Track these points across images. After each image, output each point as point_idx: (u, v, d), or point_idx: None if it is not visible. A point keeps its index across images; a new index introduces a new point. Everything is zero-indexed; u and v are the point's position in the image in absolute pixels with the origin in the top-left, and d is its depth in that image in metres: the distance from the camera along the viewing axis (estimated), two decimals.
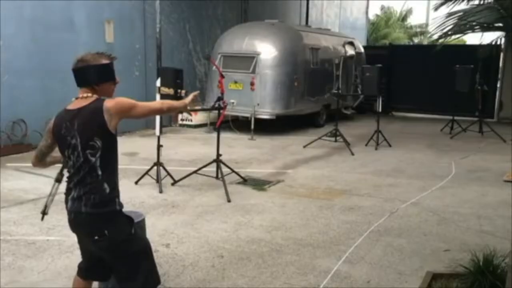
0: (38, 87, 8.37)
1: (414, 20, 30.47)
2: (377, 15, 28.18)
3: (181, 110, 2.82)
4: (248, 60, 10.44)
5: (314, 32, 12.47)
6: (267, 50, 10.50)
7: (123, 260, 2.51)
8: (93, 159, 2.37)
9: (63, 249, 4.12)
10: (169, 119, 11.10)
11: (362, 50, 14.01)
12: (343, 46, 12.59)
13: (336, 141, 9.11)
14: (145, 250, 2.60)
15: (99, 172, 2.39)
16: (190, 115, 10.61)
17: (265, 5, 14.87)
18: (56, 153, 2.60)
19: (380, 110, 9.57)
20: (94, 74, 2.42)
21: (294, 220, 5.04)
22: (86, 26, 9.27)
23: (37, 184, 6.05)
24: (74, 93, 2.52)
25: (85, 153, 2.37)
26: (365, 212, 5.33)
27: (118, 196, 2.49)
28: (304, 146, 9.05)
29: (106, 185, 2.40)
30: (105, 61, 2.47)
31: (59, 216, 3.95)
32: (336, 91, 10.12)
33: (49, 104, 8.04)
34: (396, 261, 4.03)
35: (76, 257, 2.49)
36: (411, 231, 4.76)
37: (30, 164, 2.79)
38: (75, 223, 2.49)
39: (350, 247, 4.30)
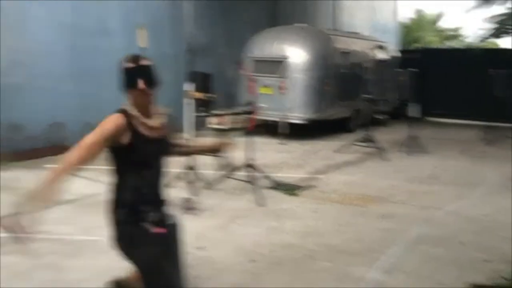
0: (75, 91, 8.56)
1: (446, 23, 29.95)
2: (409, 18, 27.78)
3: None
4: (278, 64, 10.44)
5: (344, 35, 12.37)
6: (297, 54, 10.47)
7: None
8: None
9: (103, 248, 4.17)
10: (201, 123, 11.15)
11: (394, 53, 13.81)
12: (374, 49, 12.44)
13: (368, 146, 8.98)
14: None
15: None
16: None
17: (294, 9, 14.84)
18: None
19: (413, 115, 9.39)
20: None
21: (326, 226, 4.99)
22: (120, 32, 9.45)
23: (73, 185, 6.15)
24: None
25: None
26: (399, 219, 5.22)
27: None
28: (336, 151, 8.96)
29: None
30: (126, 64, 2.30)
31: (97, 216, 4.01)
32: (367, 96, 10.00)
33: (85, 107, 8.25)
34: (434, 271, 3.93)
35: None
36: (448, 240, 4.63)
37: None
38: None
39: (385, 255, 4.22)
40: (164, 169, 2.45)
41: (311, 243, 4.49)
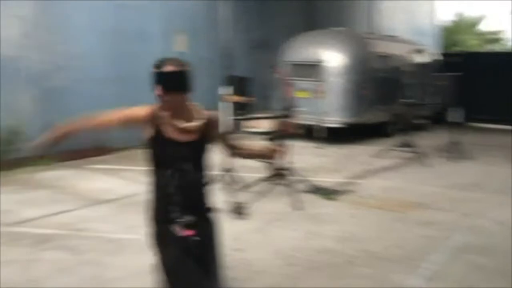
0: (115, 94, 8.77)
1: (487, 26, 29.08)
2: (449, 21, 27.14)
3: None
4: (315, 68, 10.39)
5: (382, 39, 12.20)
6: (334, 58, 10.39)
7: None
8: None
9: (142, 247, 4.24)
10: (238, 125, 11.23)
11: (435, 57, 13.51)
12: (413, 53, 12.19)
13: (407, 151, 8.81)
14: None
15: None
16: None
17: (330, 13, 14.75)
18: None
19: (455, 120, 9.15)
20: None
21: (365, 231, 4.92)
22: (158, 36, 9.62)
23: (114, 185, 6.35)
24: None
25: None
26: (441, 226, 5.09)
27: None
28: (374, 156, 8.83)
29: None
30: (153, 68, 2.30)
31: (137, 216, 4.09)
32: (406, 100, 9.81)
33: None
34: (479, 281, 3.81)
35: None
36: (493, 249, 4.48)
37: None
38: None
39: (427, 262, 4.12)
40: (200, 172, 2.38)
41: (349, 248, 4.44)
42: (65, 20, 8.00)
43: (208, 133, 2.35)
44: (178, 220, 2.31)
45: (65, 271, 3.80)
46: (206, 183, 2.42)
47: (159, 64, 2.28)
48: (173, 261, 2.32)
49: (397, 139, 9.44)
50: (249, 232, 4.80)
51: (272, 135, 2.63)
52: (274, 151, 2.64)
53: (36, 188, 6.15)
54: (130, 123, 2.38)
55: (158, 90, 2.26)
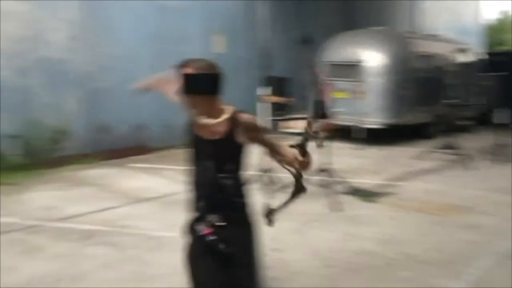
0: (156, 95, 8.96)
1: None
2: (495, 20, 26.22)
3: None
4: (354, 68, 10.28)
5: (424, 38, 11.93)
6: (374, 58, 10.25)
7: None
8: None
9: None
10: (274, 126, 11.26)
11: (479, 56, 13.09)
12: (456, 52, 11.85)
13: (450, 154, 8.57)
14: None
15: None
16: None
17: (370, 12, 14.55)
18: None
19: (500, 121, 8.84)
20: None
21: (405, 234, 4.83)
22: (198, 37, 9.77)
23: (155, 184, 6.50)
24: None
25: None
26: (485, 231, 4.94)
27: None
28: (415, 158, 8.65)
29: None
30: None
31: (178, 214, 4.18)
32: (449, 101, 9.56)
33: (165, 110, 8.61)
34: None
35: None
36: None
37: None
38: None
39: (470, 268, 4.01)
40: (224, 172, 2.32)
41: (389, 251, 4.37)
42: (110, 22, 8.25)
43: (234, 133, 2.28)
44: (201, 218, 2.32)
45: (108, 267, 3.92)
46: (233, 183, 2.34)
47: (179, 66, 2.30)
48: (190, 258, 2.37)
49: (439, 140, 9.21)
50: (287, 232, 4.80)
51: (303, 139, 2.34)
52: (298, 160, 2.41)
53: (80, 185, 6.37)
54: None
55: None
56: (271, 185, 6.14)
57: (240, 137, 2.29)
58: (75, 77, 7.84)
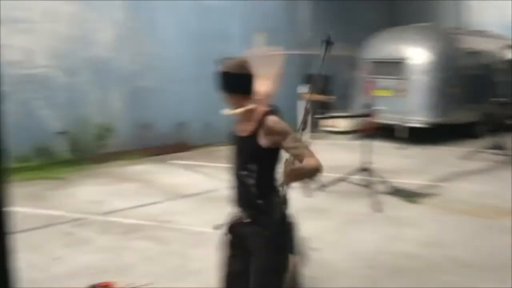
0: (197, 93, 9.09)
1: None
2: None
3: None
4: (398, 66, 10.04)
5: (471, 34, 11.49)
6: (419, 55, 9.97)
7: None
8: None
9: None
10: (315, 125, 11.17)
11: None
12: (505, 49, 11.36)
13: (499, 154, 8.23)
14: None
15: None
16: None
17: (414, 8, 14.16)
18: None
19: None
20: None
21: (451, 237, 4.67)
22: (239, 37, 9.79)
23: (196, 180, 6.59)
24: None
25: None
26: None
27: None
28: (462, 158, 8.36)
29: None
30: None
31: (219, 210, 4.21)
32: (497, 99, 9.18)
33: (206, 109, 8.71)
34: None
35: None
36: None
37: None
38: None
39: None
40: (249, 170, 2.30)
41: (435, 254, 4.24)
42: (153, 22, 8.41)
43: (259, 134, 2.26)
44: (232, 215, 2.41)
45: (151, 260, 4.00)
46: (254, 183, 2.30)
47: (218, 64, 2.37)
48: (222, 249, 2.50)
49: (487, 140, 8.88)
50: (327, 232, 4.76)
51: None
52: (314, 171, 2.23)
53: (124, 181, 6.53)
54: None
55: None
56: (311, 184, 6.09)
57: (263, 140, 2.25)
58: (120, 76, 8.04)
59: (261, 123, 2.26)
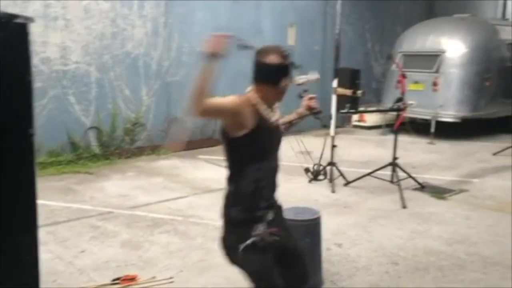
0: (226, 87, 9.10)
1: None
2: None
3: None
4: (431, 59, 9.79)
5: (510, 25, 11.06)
6: (455, 48, 9.68)
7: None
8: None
9: None
10: (343, 119, 11.04)
11: None
12: None
13: None
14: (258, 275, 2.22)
15: None
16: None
17: (452, 1, 13.75)
18: None
19: None
20: None
21: (480, 234, 4.54)
22: (271, 31, 9.78)
23: (222, 175, 6.58)
24: None
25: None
26: None
27: None
28: (494, 154, 8.09)
29: None
30: (274, 59, 2.24)
31: None
32: None
33: None
34: None
35: None
36: None
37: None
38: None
39: None
40: (278, 162, 2.34)
41: (461, 251, 4.14)
42: (185, 18, 8.48)
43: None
44: (264, 217, 2.20)
45: (174, 254, 4.06)
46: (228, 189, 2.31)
47: (274, 55, 2.23)
48: (261, 264, 2.19)
49: None
50: (351, 227, 4.71)
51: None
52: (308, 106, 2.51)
53: (152, 175, 6.64)
54: (236, 113, 2.16)
55: (271, 83, 2.22)
56: (333, 178, 6.05)
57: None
58: (151, 71, 8.16)
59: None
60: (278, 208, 2.37)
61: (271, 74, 2.20)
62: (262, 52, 2.24)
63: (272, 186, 2.29)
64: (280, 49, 2.22)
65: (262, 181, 2.21)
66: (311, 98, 2.52)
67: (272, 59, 2.19)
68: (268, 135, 2.21)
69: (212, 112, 2.10)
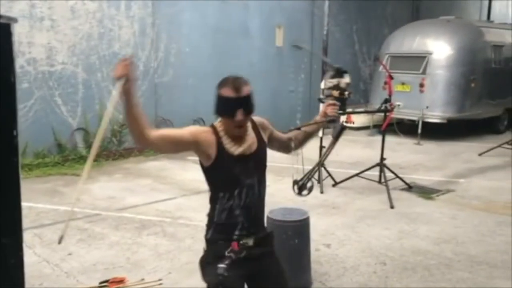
0: (215, 89, 9.10)
1: None
2: None
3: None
4: (418, 61, 9.88)
5: (498, 27, 11.22)
6: (441, 49, 9.79)
7: None
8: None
9: None
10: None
11: None
12: None
13: None
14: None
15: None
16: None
17: (438, 2, 13.91)
18: None
19: None
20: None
21: (466, 234, 4.59)
22: (259, 32, 9.80)
23: None
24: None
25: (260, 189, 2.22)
26: None
27: None
28: (480, 154, 8.20)
29: None
30: (225, 93, 2.11)
31: None
32: None
33: None
34: None
35: None
36: None
37: None
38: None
39: None
40: (263, 184, 2.23)
41: (448, 251, 4.18)
42: (174, 19, 8.46)
43: (262, 138, 2.23)
44: (240, 243, 2.15)
45: (163, 256, 4.04)
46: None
47: (226, 87, 2.11)
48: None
49: (508, 136, 8.69)
50: (339, 228, 4.73)
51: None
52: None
53: (139, 177, 6.60)
54: (195, 143, 2.14)
55: (223, 116, 2.14)
56: (321, 179, 6.07)
57: (267, 141, 2.29)
58: (138, 72, 8.11)
59: (259, 126, 2.25)
60: (262, 239, 2.22)
61: (225, 107, 2.11)
62: (219, 84, 2.15)
63: (249, 216, 2.18)
64: (235, 81, 2.10)
65: (235, 210, 2.16)
66: (330, 105, 2.46)
67: (225, 92, 2.09)
68: (233, 165, 2.12)
69: (166, 142, 2.13)
